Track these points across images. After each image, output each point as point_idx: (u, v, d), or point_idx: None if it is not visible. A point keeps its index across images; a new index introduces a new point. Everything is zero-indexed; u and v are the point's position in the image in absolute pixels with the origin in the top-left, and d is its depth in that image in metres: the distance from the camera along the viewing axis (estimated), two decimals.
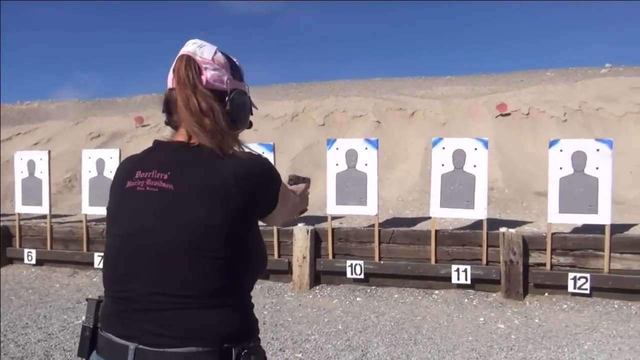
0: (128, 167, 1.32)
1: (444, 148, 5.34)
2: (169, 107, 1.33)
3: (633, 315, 4.51)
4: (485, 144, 5.25)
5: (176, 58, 1.31)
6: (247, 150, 1.29)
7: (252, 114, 1.43)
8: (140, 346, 1.16)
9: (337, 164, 5.61)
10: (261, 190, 1.25)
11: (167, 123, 1.36)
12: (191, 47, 1.31)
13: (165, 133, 1.38)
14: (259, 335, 1.32)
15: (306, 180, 1.80)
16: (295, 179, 1.77)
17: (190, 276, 1.17)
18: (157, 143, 1.34)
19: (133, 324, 1.19)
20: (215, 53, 1.32)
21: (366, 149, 5.54)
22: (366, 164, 5.51)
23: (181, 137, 1.27)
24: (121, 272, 1.24)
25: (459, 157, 5.27)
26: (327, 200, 5.64)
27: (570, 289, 4.80)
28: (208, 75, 1.29)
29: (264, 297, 5.28)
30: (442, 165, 5.32)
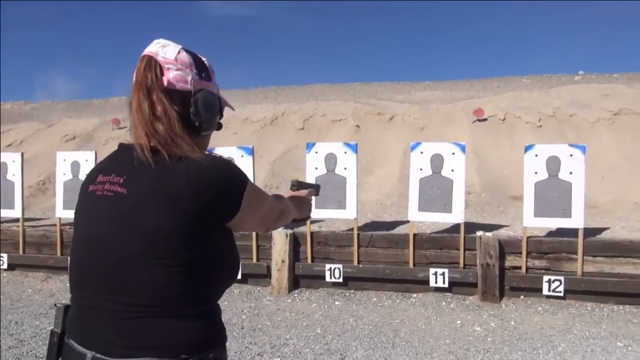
0: (94, 170, 1.31)
1: (422, 152, 5.40)
2: None
3: (605, 317, 4.61)
4: (463, 148, 5.32)
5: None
6: (207, 154, 1.25)
7: (221, 116, 1.38)
8: (98, 355, 1.14)
9: (316, 168, 5.61)
10: (218, 193, 1.18)
11: None
12: (154, 47, 1.27)
13: None
14: (226, 344, 1.28)
15: (313, 187, 1.72)
16: (297, 185, 1.69)
17: (143, 284, 1.14)
18: (121, 146, 1.30)
19: (91, 332, 1.17)
20: (179, 52, 1.28)
21: (345, 153, 5.56)
22: (345, 168, 5.53)
23: (142, 139, 1.22)
24: (80, 277, 1.22)
25: (436, 161, 5.33)
26: None
27: (545, 291, 4.89)
28: (170, 75, 1.25)
29: (242, 301, 5.24)
30: (420, 169, 5.37)
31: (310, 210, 1.71)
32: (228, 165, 1.23)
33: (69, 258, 1.33)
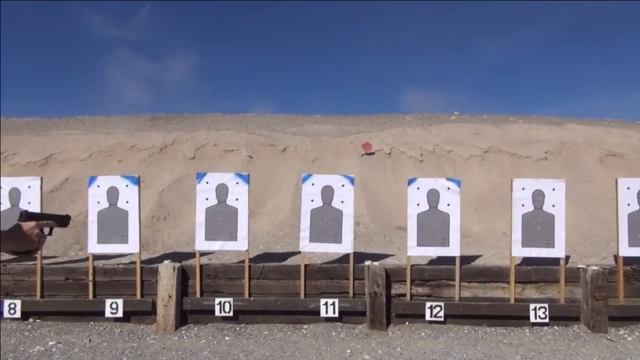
0: None
1: (313, 184, 5.51)
2: None
3: (480, 339, 4.96)
4: (352, 180, 5.52)
5: None
6: None
7: None
8: None
9: (207, 199, 5.48)
10: None
11: None
12: None
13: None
14: None
15: (55, 218, 1.61)
16: (25, 216, 1.57)
17: None
18: None
19: None
20: None
21: (237, 183, 5.50)
22: (237, 199, 5.46)
23: None
24: None
25: (327, 192, 5.47)
26: (195, 236, 5.46)
27: (427, 317, 5.16)
28: None
29: (124, 341, 4.88)
30: (312, 200, 5.47)
31: (32, 245, 1.61)
32: None
33: None
